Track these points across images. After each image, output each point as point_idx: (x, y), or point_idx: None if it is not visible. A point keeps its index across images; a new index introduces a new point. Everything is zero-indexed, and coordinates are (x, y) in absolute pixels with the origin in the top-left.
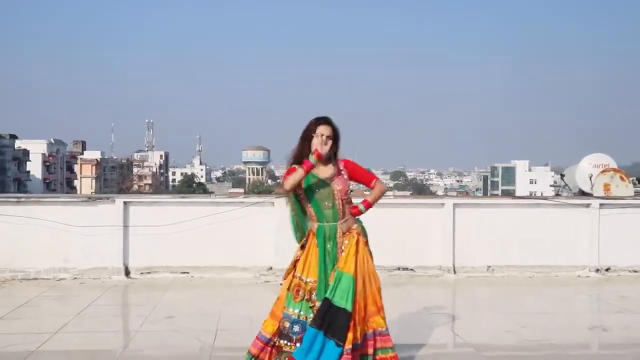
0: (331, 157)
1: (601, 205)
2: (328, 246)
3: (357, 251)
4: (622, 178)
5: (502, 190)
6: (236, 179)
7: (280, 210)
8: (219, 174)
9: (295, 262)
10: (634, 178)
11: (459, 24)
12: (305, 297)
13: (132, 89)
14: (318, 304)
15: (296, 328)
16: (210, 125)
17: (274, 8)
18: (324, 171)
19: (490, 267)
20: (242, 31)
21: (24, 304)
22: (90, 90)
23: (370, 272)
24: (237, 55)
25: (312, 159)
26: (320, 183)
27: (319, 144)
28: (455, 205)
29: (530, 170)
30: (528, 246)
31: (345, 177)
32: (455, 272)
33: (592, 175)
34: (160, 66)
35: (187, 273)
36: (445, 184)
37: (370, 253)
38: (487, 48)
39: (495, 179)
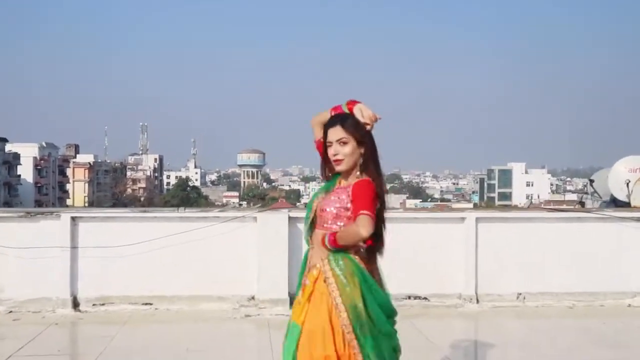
0: (360, 169)
1: None
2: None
3: (311, 292)
4: None
5: (499, 194)
6: (231, 182)
7: (264, 226)
8: (214, 177)
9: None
10: None
11: (455, 25)
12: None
13: (126, 92)
14: None
15: None
16: (205, 128)
17: (269, 9)
18: (337, 183)
19: (520, 294)
20: (237, 33)
21: None
22: (83, 93)
23: (320, 325)
24: (232, 57)
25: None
26: (319, 194)
27: (332, 157)
28: (477, 219)
29: (527, 172)
30: (566, 269)
31: (344, 197)
32: (478, 301)
33: (629, 182)
34: (154, 68)
35: (150, 304)
36: (441, 187)
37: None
38: (483, 49)
39: (492, 182)
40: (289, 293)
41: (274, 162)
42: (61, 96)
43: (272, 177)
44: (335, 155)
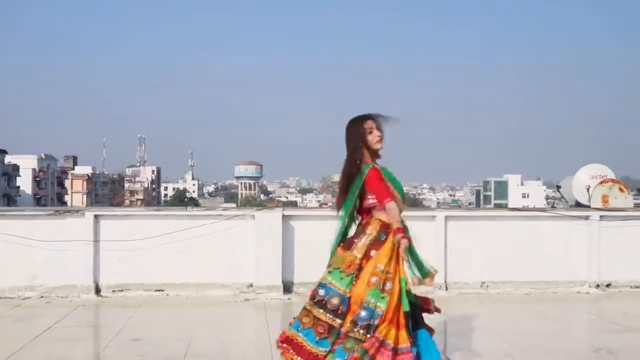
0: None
1: (601, 217)
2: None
3: None
4: (621, 189)
5: (495, 205)
6: (229, 194)
7: (261, 223)
8: (211, 189)
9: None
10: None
11: (452, 36)
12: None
13: (124, 104)
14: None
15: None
16: (202, 140)
17: (267, 21)
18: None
19: (484, 283)
20: (234, 45)
21: None
22: (82, 105)
23: None
24: (229, 69)
25: (404, 240)
26: (398, 183)
27: (377, 138)
28: (447, 217)
29: (522, 184)
30: (524, 261)
31: None
32: (447, 288)
33: (589, 187)
34: (152, 81)
35: (162, 291)
36: (438, 199)
37: None
38: (481, 61)
39: (488, 193)
40: (282, 281)
41: (271, 173)
42: (60, 108)
43: (270, 188)
44: (380, 136)
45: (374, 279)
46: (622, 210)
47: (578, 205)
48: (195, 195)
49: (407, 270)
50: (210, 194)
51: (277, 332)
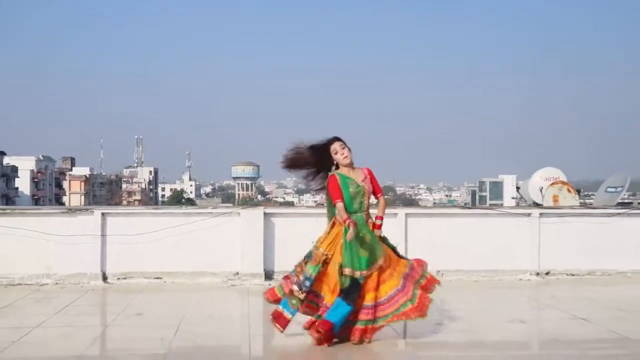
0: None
1: (541, 214)
2: (364, 230)
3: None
4: (569, 190)
5: (490, 205)
6: (226, 195)
7: (245, 220)
8: (208, 189)
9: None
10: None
11: (448, 37)
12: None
13: (122, 105)
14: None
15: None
16: (200, 141)
17: (264, 21)
18: (355, 176)
19: (439, 271)
20: (232, 45)
21: (8, 305)
22: (80, 106)
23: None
24: (226, 70)
25: (348, 221)
26: (355, 185)
27: (344, 156)
28: (407, 215)
29: (517, 184)
30: (475, 252)
31: (369, 180)
32: None
33: (542, 188)
34: (149, 81)
35: (160, 278)
36: (434, 199)
37: None
38: (478, 61)
39: (484, 194)
40: (264, 269)
41: (268, 174)
42: (58, 110)
43: (267, 189)
44: (347, 155)
45: (316, 258)
46: (558, 208)
47: (535, 204)
48: (192, 196)
49: (345, 256)
50: (207, 194)
51: (256, 310)
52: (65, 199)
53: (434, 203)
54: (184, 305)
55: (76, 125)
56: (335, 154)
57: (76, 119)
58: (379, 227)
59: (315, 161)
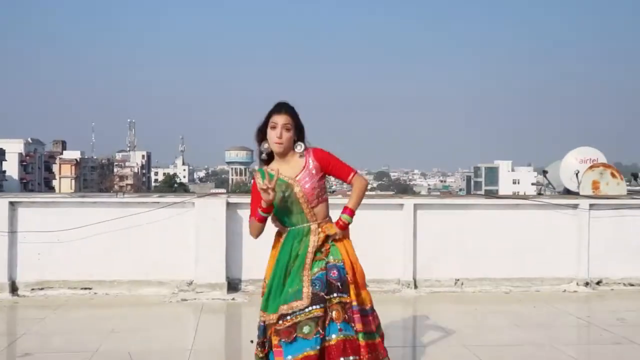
0: (296, 148)
1: (591, 205)
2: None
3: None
4: (613, 174)
5: (485, 191)
6: (219, 180)
7: (202, 212)
8: (202, 174)
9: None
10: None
11: (442, 24)
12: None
13: (114, 88)
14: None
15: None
16: (193, 125)
17: (259, 4)
18: (288, 169)
19: (458, 280)
20: (226, 29)
21: None
22: (71, 89)
23: None
24: (220, 53)
25: (260, 210)
26: (282, 187)
27: (276, 140)
28: (416, 206)
29: (513, 170)
30: (504, 255)
31: (314, 172)
32: (416, 286)
33: (578, 172)
34: (142, 64)
35: (90, 289)
36: (429, 184)
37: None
38: (470, 47)
39: (479, 179)
40: (226, 277)
41: None
42: (48, 92)
43: None
44: (279, 138)
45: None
46: (614, 198)
47: (567, 192)
48: (185, 180)
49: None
50: (201, 179)
51: (207, 340)
52: (55, 182)
53: (429, 189)
54: (105, 333)
55: (67, 109)
56: (272, 128)
57: (67, 101)
58: (343, 226)
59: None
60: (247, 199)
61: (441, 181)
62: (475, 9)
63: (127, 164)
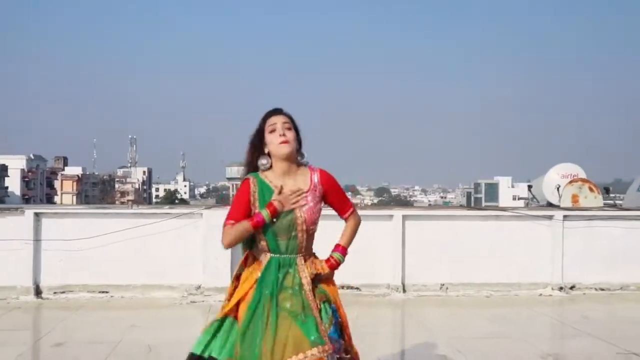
0: (299, 157)
1: (565, 217)
2: (280, 277)
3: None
4: (591, 188)
5: (485, 207)
6: (220, 196)
7: (209, 222)
8: (203, 190)
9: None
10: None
11: (443, 39)
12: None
13: (115, 104)
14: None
15: None
16: (194, 141)
17: (260, 20)
18: (292, 185)
19: (443, 285)
20: (227, 45)
21: None
22: (73, 105)
23: None
24: (220, 69)
25: (265, 213)
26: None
27: (282, 140)
28: (404, 217)
29: (513, 186)
30: (485, 262)
31: (318, 195)
32: (404, 290)
33: (559, 186)
34: (143, 81)
35: (107, 292)
36: (429, 200)
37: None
38: (474, 65)
39: (479, 195)
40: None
41: None
42: (50, 108)
43: None
44: (282, 136)
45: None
46: (587, 210)
47: (549, 205)
48: (186, 196)
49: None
50: (201, 195)
51: None
52: (56, 198)
53: (429, 205)
54: (124, 329)
55: (69, 125)
56: (272, 131)
57: (69, 118)
58: (335, 265)
59: (250, 159)
60: None
61: (442, 197)
62: (477, 22)
63: (128, 180)
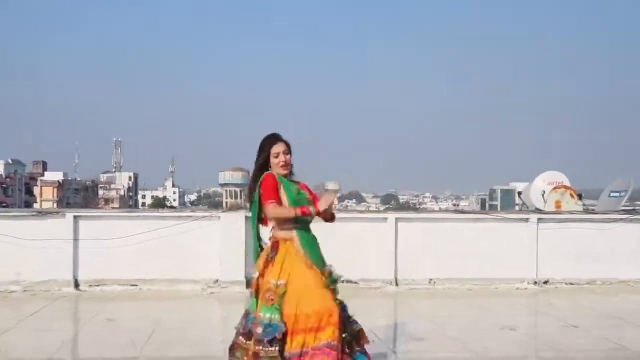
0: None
1: (540, 220)
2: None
3: None
4: (572, 195)
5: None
6: (212, 203)
7: (225, 223)
8: (194, 197)
9: (264, 270)
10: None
11: (455, 42)
12: (276, 301)
13: (99, 106)
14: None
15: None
16: (184, 145)
17: (250, 26)
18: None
19: (432, 280)
20: (217, 47)
21: None
22: (53, 107)
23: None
24: (211, 72)
25: (313, 209)
26: (297, 191)
27: (282, 163)
28: (397, 219)
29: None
30: (469, 260)
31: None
32: (397, 284)
33: (545, 193)
34: (129, 81)
35: (136, 286)
36: (440, 208)
37: None
38: (484, 68)
39: (495, 203)
40: (245, 277)
41: None
42: (29, 110)
43: None
44: (285, 162)
45: (267, 295)
46: (558, 214)
47: (537, 210)
48: (176, 204)
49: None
50: (192, 202)
51: (235, 319)
52: (36, 206)
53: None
54: (160, 312)
55: (49, 127)
56: (276, 157)
57: (50, 120)
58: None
59: (258, 175)
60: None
61: (454, 205)
62: (478, 23)
63: (112, 186)
